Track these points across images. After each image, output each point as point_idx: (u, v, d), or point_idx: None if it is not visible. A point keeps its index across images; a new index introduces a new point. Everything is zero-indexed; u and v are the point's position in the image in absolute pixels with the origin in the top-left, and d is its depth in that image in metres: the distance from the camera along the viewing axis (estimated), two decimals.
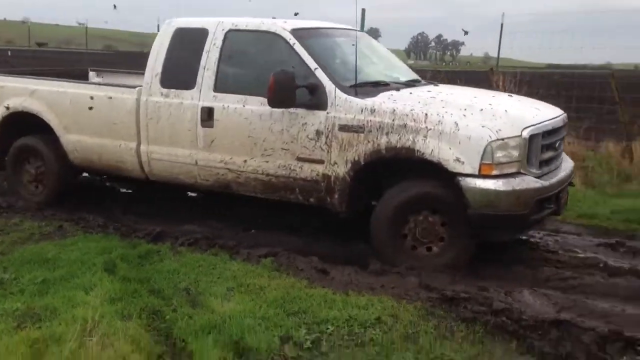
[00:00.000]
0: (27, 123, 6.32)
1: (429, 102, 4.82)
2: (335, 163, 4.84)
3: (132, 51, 30.57)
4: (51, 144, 6.22)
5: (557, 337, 3.43)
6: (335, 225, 5.39)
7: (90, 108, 5.93)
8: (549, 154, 4.70)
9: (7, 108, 6.36)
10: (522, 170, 4.41)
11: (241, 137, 5.19)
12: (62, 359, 3.15)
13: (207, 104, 5.29)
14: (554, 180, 4.62)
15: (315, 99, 4.86)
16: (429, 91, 5.19)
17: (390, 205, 4.68)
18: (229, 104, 5.21)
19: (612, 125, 9.09)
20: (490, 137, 4.36)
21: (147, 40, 19.30)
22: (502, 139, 4.35)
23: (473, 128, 4.45)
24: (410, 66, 6.98)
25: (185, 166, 5.53)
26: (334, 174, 4.86)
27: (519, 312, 3.67)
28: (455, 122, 4.50)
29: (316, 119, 4.88)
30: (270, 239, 5.23)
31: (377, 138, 4.67)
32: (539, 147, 4.54)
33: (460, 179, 4.40)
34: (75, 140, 6.09)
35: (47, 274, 4.32)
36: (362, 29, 8.48)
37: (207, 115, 5.28)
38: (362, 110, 4.75)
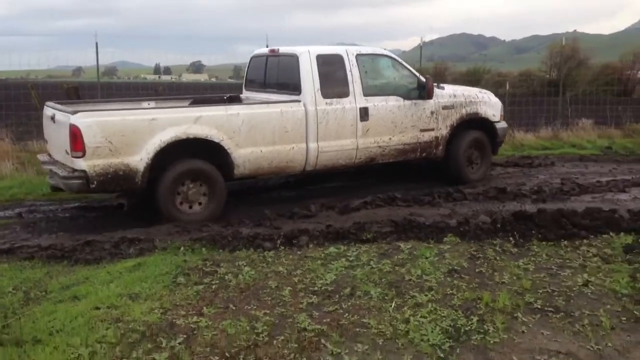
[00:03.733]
0: (179, 151, 6.66)
1: (468, 89, 9.12)
2: (440, 128, 8.45)
3: None
4: (216, 163, 6.92)
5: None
6: None
7: (264, 123, 7.12)
8: None
9: (163, 139, 6.49)
10: None
11: (387, 123, 7.98)
12: None
13: (362, 105, 7.79)
14: None
15: (426, 93, 8.20)
16: (455, 86, 9.40)
17: (464, 144, 8.64)
18: (377, 103, 7.91)
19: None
20: (500, 102, 9.19)
21: None
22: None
23: (494, 99, 9.17)
24: None
25: (347, 152, 7.74)
26: (440, 135, 8.46)
27: (40, 244, 5.85)
28: (490, 97, 9.12)
29: (429, 104, 8.33)
30: None
31: (461, 110, 8.62)
32: None
33: (494, 123, 8.94)
34: (248, 153, 7.02)
35: None
36: None
37: (364, 113, 7.76)
38: (450, 96, 8.59)
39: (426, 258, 5.37)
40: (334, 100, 7.58)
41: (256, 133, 7.04)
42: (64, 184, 6.40)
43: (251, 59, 8.88)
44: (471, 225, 6.18)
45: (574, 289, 4.69)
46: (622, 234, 6.05)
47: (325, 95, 7.52)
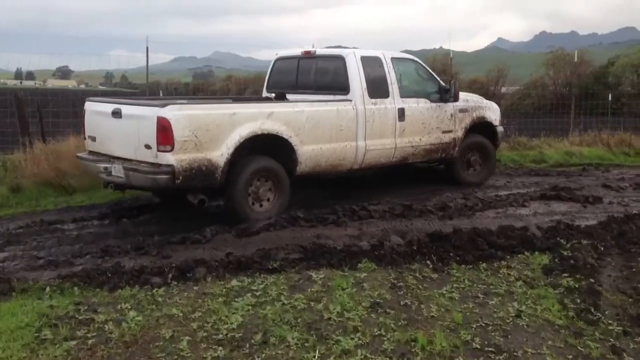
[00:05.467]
0: (251, 147, 6.66)
1: (474, 95, 9.74)
2: (457, 130, 8.82)
3: None
4: (281, 160, 6.95)
5: None
6: None
7: (324, 120, 7.27)
8: None
9: (242, 134, 6.46)
10: None
11: (418, 124, 8.25)
12: None
13: (400, 106, 8.03)
14: None
15: (447, 97, 8.60)
16: (463, 92, 9.51)
17: (464, 145, 9.07)
18: (410, 105, 8.18)
19: None
20: (498, 107, 9.76)
21: None
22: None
23: (495, 105, 9.74)
24: None
25: (387, 150, 7.95)
26: (457, 136, 8.84)
27: None
28: (491, 103, 9.73)
29: (449, 107, 8.72)
30: None
31: (472, 114, 9.12)
32: None
33: (496, 127, 9.52)
34: (310, 150, 7.12)
35: None
36: None
37: (402, 113, 8.01)
38: (464, 101, 9.02)
39: (343, 290, 4.74)
40: (378, 100, 7.83)
41: (317, 130, 7.15)
42: (149, 179, 6.15)
43: (275, 61, 8.98)
44: (386, 249, 5.64)
45: (508, 321, 4.28)
46: (536, 253, 5.82)
47: (372, 95, 7.76)
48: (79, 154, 7.42)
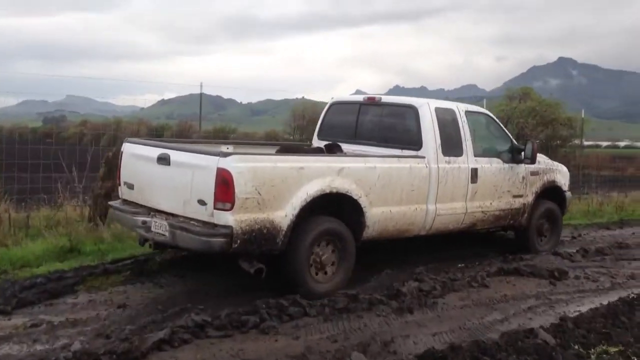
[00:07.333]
0: (314, 207, 5.67)
1: (542, 156, 8.54)
2: (527, 195, 7.92)
3: None
4: (348, 224, 5.99)
5: None
6: None
7: (396, 179, 6.30)
8: None
9: (310, 192, 5.54)
10: None
11: (490, 186, 7.38)
12: None
13: (473, 166, 7.13)
14: None
15: (519, 158, 7.68)
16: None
17: (538, 213, 8.11)
18: (483, 165, 7.29)
19: None
20: (567, 170, 8.89)
21: None
22: None
23: (564, 168, 8.84)
24: None
25: (457, 215, 7.05)
26: (527, 202, 7.92)
27: None
28: (561, 166, 8.82)
29: (521, 169, 7.78)
30: None
31: (543, 177, 8.20)
32: None
33: (565, 192, 8.65)
34: (379, 212, 6.17)
35: None
36: None
37: (474, 174, 7.12)
38: (537, 162, 7.96)
39: None
40: (452, 158, 6.92)
41: (388, 190, 6.28)
42: (202, 242, 5.19)
43: (331, 105, 7.99)
44: None
45: None
46: None
47: (445, 152, 6.85)
48: (111, 202, 6.52)
